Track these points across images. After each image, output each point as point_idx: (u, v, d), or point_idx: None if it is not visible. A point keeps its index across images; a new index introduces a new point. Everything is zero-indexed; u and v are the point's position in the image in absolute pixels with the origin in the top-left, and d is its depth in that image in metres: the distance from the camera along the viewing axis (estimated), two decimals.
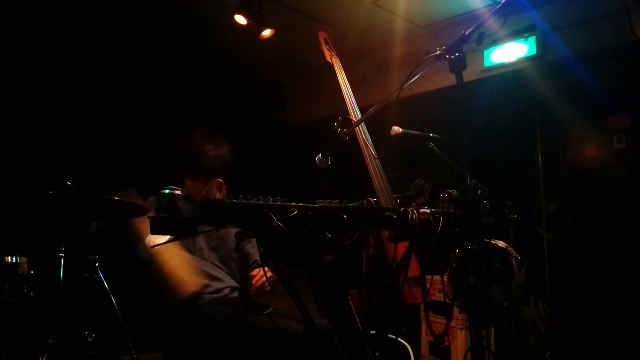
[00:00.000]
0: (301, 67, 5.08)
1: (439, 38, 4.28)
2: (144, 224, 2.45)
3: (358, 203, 1.81)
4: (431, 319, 3.64)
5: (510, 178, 4.29)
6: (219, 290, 2.52)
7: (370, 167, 2.33)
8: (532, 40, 3.83)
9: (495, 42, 3.98)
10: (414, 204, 1.89)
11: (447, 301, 3.20)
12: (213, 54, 4.82)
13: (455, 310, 3.51)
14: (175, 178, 2.41)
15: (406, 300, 2.29)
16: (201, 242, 2.59)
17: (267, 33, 3.94)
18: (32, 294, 2.82)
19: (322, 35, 2.77)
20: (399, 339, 2.39)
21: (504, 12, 1.89)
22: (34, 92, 4.01)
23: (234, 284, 2.62)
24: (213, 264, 2.59)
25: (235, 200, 1.52)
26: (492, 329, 3.47)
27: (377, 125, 2.37)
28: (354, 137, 2.33)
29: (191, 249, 2.54)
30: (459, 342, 3.68)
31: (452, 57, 1.80)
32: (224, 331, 2.31)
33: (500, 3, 1.88)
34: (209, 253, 2.59)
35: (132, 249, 2.52)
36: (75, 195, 2.42)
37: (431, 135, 2.50)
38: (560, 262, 4.13)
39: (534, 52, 3.84)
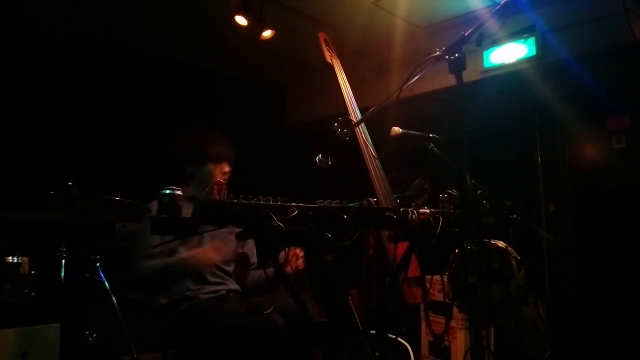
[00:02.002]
0: (301, 67, 5.08)
1: (438, 38, 4.27)
2: None
3: (358, 203, 1.82)
4: (431, 318, 3.64)
5: (510, 178, 4.29)
6: (216, 291, 2.53)
7: (370, 167, 2.34)
8: (532, 40, 3.83)
9: (495, 42, 3.98)
10: (413, 204, 1.89)
11: (447, 301, 3.20)
12: (213, 54, 4.83)
13: (455, 310, 3.52)
14: (175, 178, 2.42)
15: (406, 300, 2.30)
16: (207, 241, 2.59)
17: (267, 34, 3.94)
18: (33, 294, 2.81)
19: (322, 36, 2.78)
20: (398, 338, 2.39)
21: (503, 13, 1.89)
22: (34, 92, 4.01)
23: (234, 286, 2.63)
24: (216, 266, 2.59)
25: (236, 200, 1.53)
26: (492, 329, 3.47)
27: (377, 125, 2.37)
28: (354, 137, 2.33)
29: (197, 247, 2.56)
30: (459, 342, 3.68)
31: (452, 57, 1.80)
32: (215, 322, 2.33)
33: (499, 4, 1.88)
34: (212, 254, 2.59)
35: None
36: (76, 195, 2.42)
37: (431, 135, 2.51)
38: (559, 262, 4.13)
39: (533, 52, 3.84)
